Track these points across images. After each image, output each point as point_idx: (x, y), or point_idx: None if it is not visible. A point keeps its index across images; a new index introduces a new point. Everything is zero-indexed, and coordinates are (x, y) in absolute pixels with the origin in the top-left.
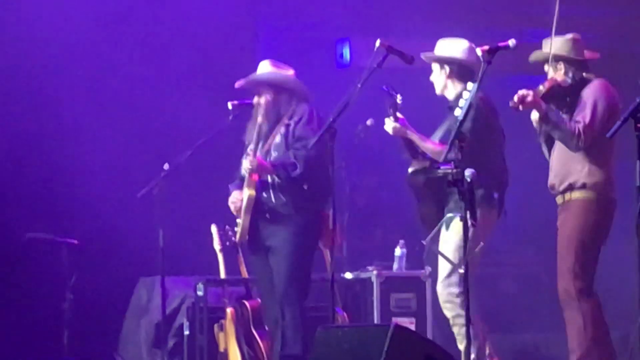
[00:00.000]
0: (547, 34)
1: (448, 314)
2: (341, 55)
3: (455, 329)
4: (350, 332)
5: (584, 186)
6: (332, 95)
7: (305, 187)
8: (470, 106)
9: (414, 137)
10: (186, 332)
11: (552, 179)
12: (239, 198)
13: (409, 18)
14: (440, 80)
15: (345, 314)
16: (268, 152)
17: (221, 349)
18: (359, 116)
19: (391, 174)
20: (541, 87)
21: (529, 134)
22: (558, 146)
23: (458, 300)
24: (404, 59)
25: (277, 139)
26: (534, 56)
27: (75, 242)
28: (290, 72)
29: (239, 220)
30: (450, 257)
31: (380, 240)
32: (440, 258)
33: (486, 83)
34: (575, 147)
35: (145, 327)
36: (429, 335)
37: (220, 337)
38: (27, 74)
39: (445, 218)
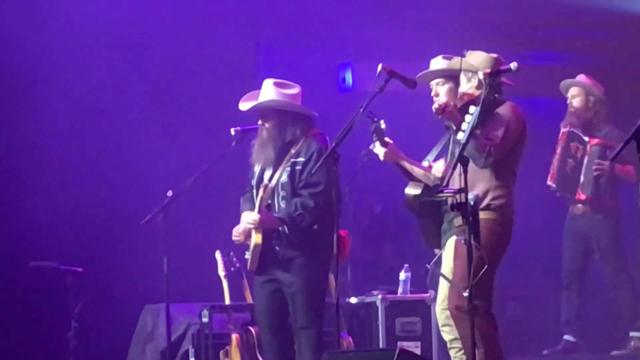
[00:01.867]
0: (549, 57)
1: (446, 337)
2: (343, 80)
3: (452, 352)
4: (356, 356)
5: (488, 207)
6: (335, 120)
7: (316, 227)
8: (472, 130)
9: (405, 162)
10: (191, 359)
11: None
12: (242, 227)
13: (411, 42)
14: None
15: (350, 339)
16: (276, 188)
17: None
18: (362, 140)
19: (395, 197)
20: (458, 100)
21: (530, 158)
22: None
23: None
24: (406, 84)
25: (284, 177)
26: (453, 62)
27: (80, 270)
28: (295, 90)
29: (248, 252)
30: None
31: (388, 261)
32: (440, 281)
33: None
34: (483, 163)
35: (151, 354)
36: (435, 359)
37: None
38: (31, 103)
39: (447, 242)
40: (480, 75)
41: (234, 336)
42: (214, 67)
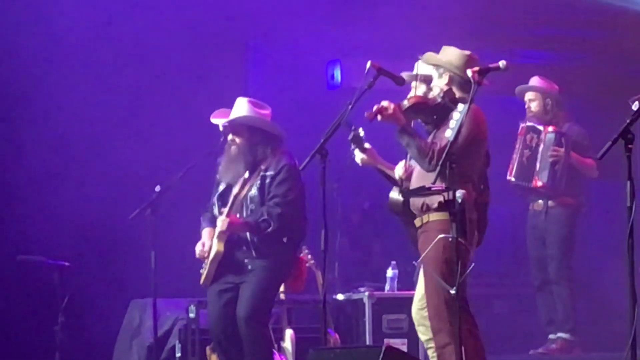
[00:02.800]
0: (538, 55)
1: (422, 337)
2: (332, 77)
3: (429, 352)
4: (342, 353)
5: (440, 207)
6: (323, 117)
7: (285, 239)
8: (460, 128)
9: (383, 167)
10: (178, 354)
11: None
12: (207, 244)
13: (399, 40)
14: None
15: (337, 336)
16: (244, 202)
17: None
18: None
19: (384, 194)
20: (405, 102)
21: None
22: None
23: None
24: (394, 80)
25: (253, 190)
26: (426, 58)
27: (67, 264)
28: (267, 111)
29: (204, 266)
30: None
31: (377, 257)
32: (419, 280)
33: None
34: (427, 167)
35: (137, 349)
36: (421, 357)
37: (212, 359)
38: (18, 100)
39: (436, 240)
40: (469, 73)
41: None
42: (202, 64)
